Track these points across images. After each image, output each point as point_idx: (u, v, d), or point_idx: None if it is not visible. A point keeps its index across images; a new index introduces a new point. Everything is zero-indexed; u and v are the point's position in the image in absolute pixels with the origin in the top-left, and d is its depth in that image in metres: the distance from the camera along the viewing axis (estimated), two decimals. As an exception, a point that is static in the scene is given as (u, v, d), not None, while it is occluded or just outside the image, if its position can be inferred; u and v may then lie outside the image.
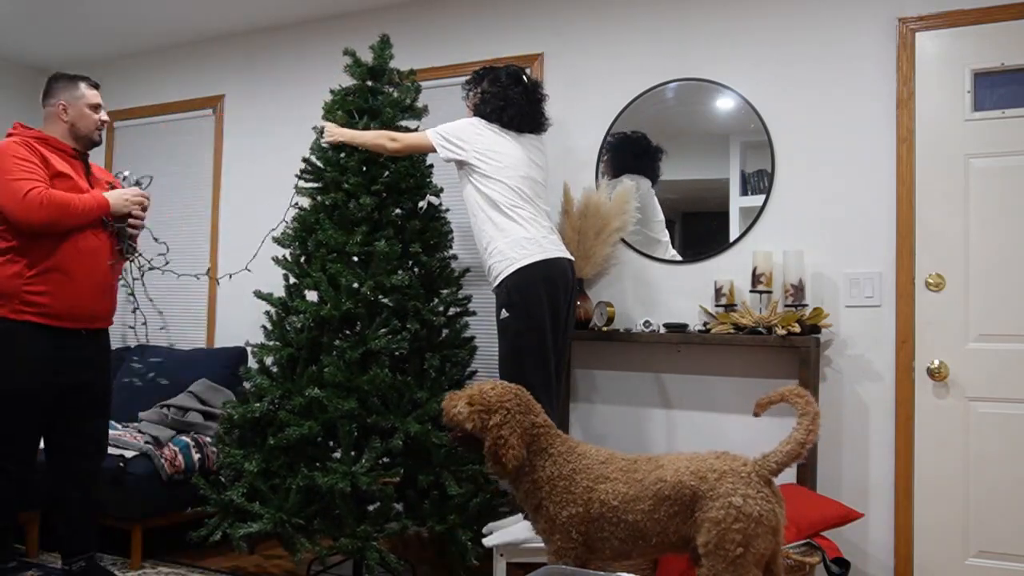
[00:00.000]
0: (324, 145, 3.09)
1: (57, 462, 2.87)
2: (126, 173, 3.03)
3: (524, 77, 2.97)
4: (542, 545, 2.70)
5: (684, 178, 3.27)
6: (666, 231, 3.30)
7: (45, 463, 2.86)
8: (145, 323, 4.35)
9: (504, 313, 2.73)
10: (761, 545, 1.92)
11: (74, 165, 2.81)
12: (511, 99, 2.88)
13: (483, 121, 2.88)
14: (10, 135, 2.78)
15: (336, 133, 3.04)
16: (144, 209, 2.93)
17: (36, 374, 2.71)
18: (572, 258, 2.86)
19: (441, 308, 3.08)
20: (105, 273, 2.83)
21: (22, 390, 2.70)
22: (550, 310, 2.72)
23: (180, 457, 3.40)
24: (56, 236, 2.69)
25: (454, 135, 2.86)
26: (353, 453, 2.84)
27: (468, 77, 3.03)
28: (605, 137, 3.42)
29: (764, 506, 1.94)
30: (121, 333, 4.54)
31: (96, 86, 2.94)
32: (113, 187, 2.93)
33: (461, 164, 2.87)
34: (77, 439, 2.87)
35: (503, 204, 2.77)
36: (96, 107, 2.88)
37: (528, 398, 2.20)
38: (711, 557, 1.94)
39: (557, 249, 2.79)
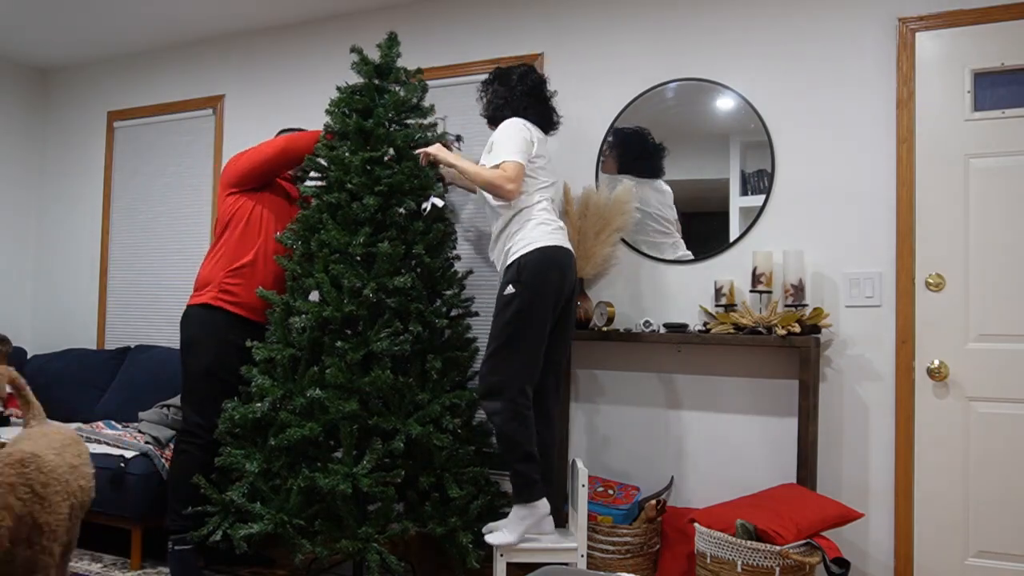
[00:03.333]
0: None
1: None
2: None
3: (529, 77, 2.98)
4: (542, 545, 2.73)
5: (684, 178, 3.28)
6: (673, 231, 3.31)
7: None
8: None
9: (509, 288, 2.74)
10: None
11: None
12: (512, 99, 2.92)
13: (520, 120, 2.88)
14: None
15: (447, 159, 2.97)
16: None
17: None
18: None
19: (443, 310, 3.07)
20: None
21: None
22: (555, 295, 2.75)
23: (181, 457, 3.40)
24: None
25: (520, 149, 2.79)
26: (354, 454, 2.84)
27: (483, 80, 3.09)
28: (605, 136, 3.42)
29: None
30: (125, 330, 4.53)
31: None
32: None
33: None
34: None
35: (542, 200, 2.83)
36: None
37: None
38: None
39: (568, 242, 2.86)
